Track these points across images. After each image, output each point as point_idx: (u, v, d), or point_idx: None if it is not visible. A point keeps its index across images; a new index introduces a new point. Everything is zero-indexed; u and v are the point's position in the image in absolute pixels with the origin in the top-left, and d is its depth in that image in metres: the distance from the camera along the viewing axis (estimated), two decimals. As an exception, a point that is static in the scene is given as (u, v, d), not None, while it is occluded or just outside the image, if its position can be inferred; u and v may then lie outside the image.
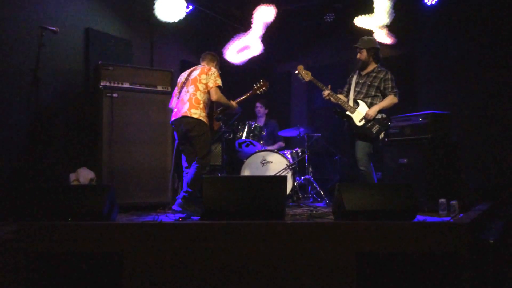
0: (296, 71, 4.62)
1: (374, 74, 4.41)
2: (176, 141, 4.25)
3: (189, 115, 4.01)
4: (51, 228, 2.77)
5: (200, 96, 4.09)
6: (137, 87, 4.91)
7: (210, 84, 4.12)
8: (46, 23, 4.11)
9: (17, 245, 2.74)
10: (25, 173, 4.16)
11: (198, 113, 4.04)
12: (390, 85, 4.33)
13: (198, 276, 2.69)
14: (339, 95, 4.51)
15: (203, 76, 4.13)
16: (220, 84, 4.17)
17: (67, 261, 2.73)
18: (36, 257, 2.74)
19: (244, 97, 4.64)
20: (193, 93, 4.09)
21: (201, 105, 4.08)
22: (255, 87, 4.75)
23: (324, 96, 4.45)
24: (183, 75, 4.33)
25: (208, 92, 4.13)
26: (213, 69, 4.21)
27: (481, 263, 2.94)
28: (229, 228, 2.75)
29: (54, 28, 4.03)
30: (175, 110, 4.18)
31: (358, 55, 4.47)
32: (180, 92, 4.23)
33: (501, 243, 3.17)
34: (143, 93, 4.94)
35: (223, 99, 4.22)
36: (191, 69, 4.33)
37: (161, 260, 2.71)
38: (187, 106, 4.05)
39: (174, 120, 4.14)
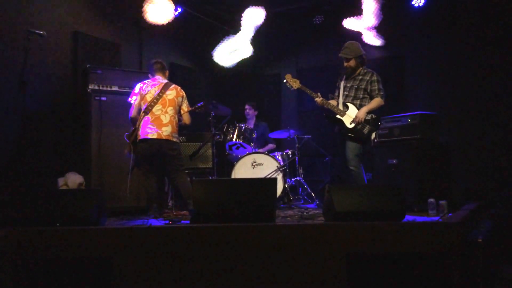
0: (284, 80, 4.62)
1: (360, 77, 4.44)
2: (137, 158, 4.18)
3: (171, 139, 4.18)
4: (39, 233, 2.74)
5: (177, 119, 4.30)
6: (126, 90, 4.88)
7: (185, 108, 4.39)
8: (33, 27, 4.07)
9: (5, 251, 2.71)
10: (13, 177, 4.11)
11: (177, 136, 4.29)
12: (376, 87, 4.36)
13: (189, 280, 2.68)
14: (330, 101, 4.52)
15: (179, 99, 4.33)
16: (190, 108, 4.46)
17: (56, 267, 2.71)
18: (24, 263, 2.70)
19: None
20: (173, 115, 4.23)
21: (178, 128, 4.31)
22: (195, 107, 4.66)
23: (317, 103, 4.46)
24: (151, 88, 4.26)
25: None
26: (183, 91, 4.41)
27: (470, 262, 2.96)
28: (219, 231, 2.74)
29: (41, 32, 3.99)
30: (149, 128, 4.11)
31: (346, 64, 4.45)
32: (150, 107, 4.16)
33: (489, 242, 3.20)
34: (132, 96, 4.91)
35: None
36: (159, 83, 4.30)
37: (151, 264, 2.69)
38: (169, 129, 4.16)
39: (149, 139, 4.09)
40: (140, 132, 4.14)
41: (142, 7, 5.58)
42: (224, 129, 5.63)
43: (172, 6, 5.76)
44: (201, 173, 5.60)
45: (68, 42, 5.04)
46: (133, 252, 2.70)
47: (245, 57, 6.78)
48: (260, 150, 5.87)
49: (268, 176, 5.10)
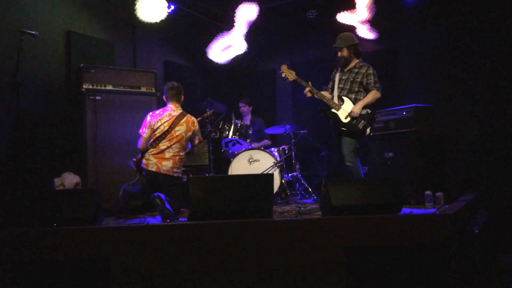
0: (280, 71, 4.62)
1: (356, 70, 4.45)
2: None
3: (170, 174, 4.16)
4: (37, 234, 2.74)
5: (183, 153, 4.28)
6: (121, 89, 4.87)
7: (196, 141, 4.40)
8: (25, 27, 4.04)
9: (2, 252, 2.70)
10: (9, 179, 4.09)
11: (179, 172, 4.26)
12: (372, 80, 4.37)
13: (187, 277, 2.68)
14: (323, 92, 4.54)
15: (189, 134, 4.29)
16: (202, 138, 4.46)
17: (54, 268, 2.70)
18: (21, 264, 2.70)
19: None
20: (177, 151, 4.21)
21: (182, 163, 4.29)
22: (204, 115, 4.75)
23: (305, 92, 4.47)
24: (161, 118, 4.22)
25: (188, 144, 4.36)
26: (196, 122, 4.35)
27: (466, 252, 2.99)
28: (217, 228, 2.75)
29: (34, 32, 3.96)
30: (152, 160, 4.13)
31: (339, 54, 4.48)
32: (158, 141, 4.16)
33: (485, 232, 3.22)
34: (127, 95, 4.90)
35: None
36: (171, 116, 4.24)
37: (149, 262, 2.69)
38: (170, 164, 4.15)
39: (149, 171, 4.12)
40: (143, 160, 4.18)
41: (134, 5, 5.55)
42: (220, 126, 5.63)
43: (165, 3, 5.74)
44: (198, 170, 5.60)
45: (61, 41, 5.01)
46: (131, 251, 2.70)
47: (239, 53, 6.76)
48: (255, 145, 5.87)
49: (265, 172, 5.10)
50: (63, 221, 2.94)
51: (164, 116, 4.25)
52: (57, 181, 4.42)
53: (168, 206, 3.82)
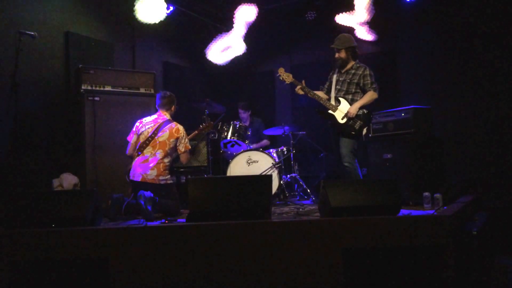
0: (278, 74, 4.63)
1: (353, 71, 4.46)
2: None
3: (157, 182, 4.12)
4: (35, 235, 2.74)
5: (167, 160, 4.21)
6: (120, 90, 4.87)
7: (182, 149, 4.29)
8: (24, 28, 4.05)
9: (1, 253, 2.70)
10: (7, 179, 4.08)
11: (166, 178, 4.20)
12: (369, 81, 4.38)
13: (186, 278, 2.68)
14: (317, 92, 4.54)
15: (172, 141, 4.22)
16: (190, 147, 4.35)
17: (52, 269, 2.70)
18: (20, 265, 2.70)
19: (191, 135, 4.57)
20: (161, 159, 4.16)
21: (168, 170, 4.22)
22: (201, 127, 4.66)
23: (296, 90, 4.47)
24: (146, 125, 4.23)
25: (173, 152, 4.29)
26: (181, 130, 4.27)
27: (465, 253, 2.99)
28: (215, 229, 2.75)
29: (33, 33, 3.96)
30: (138, 170, 4.11)
31: (337, 55, 4.49)
32: (142, 148, 4.16)
33: (484, 233, 3.22)
34: (126, 96, 4.91)
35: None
36: (155, 122, 4.24)
37: (148, 263, 2.69)
38: (154, 173, 4.12)
39: (135, 181, 4.10)
40: (130, 172, 4.17)
41: (133, 6, 5.55)
42: (219, 127, 5.63)
43: (164, 4, 5.74)
44: (196, 172, 5.59)
45: (60, 42, 5.01)
46: (130, 252, 2.70)
47: (238, 54, 6.77)
48: (254, 146, 5.87)
49: (264, 173, 5.10)
50: (61, 222, 2.94)
51: (149, 123, 4.26)
52: (55, 182, 4.42)
53: (149, 207, 3.80)
